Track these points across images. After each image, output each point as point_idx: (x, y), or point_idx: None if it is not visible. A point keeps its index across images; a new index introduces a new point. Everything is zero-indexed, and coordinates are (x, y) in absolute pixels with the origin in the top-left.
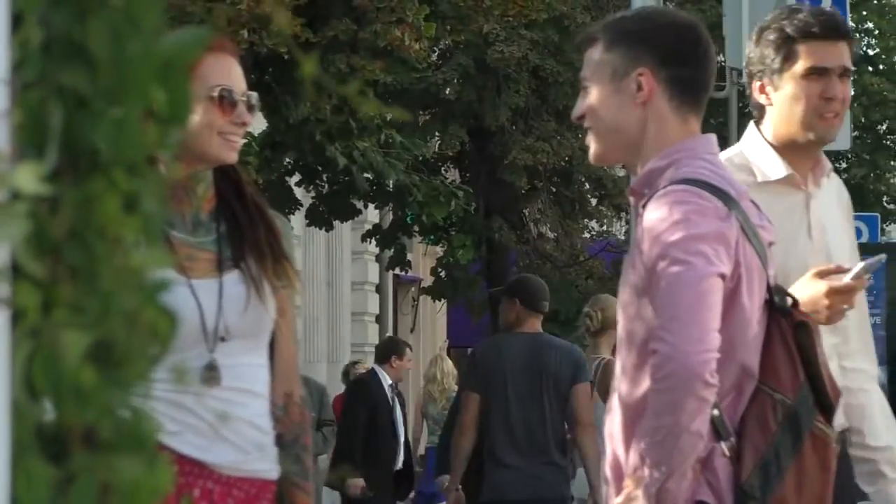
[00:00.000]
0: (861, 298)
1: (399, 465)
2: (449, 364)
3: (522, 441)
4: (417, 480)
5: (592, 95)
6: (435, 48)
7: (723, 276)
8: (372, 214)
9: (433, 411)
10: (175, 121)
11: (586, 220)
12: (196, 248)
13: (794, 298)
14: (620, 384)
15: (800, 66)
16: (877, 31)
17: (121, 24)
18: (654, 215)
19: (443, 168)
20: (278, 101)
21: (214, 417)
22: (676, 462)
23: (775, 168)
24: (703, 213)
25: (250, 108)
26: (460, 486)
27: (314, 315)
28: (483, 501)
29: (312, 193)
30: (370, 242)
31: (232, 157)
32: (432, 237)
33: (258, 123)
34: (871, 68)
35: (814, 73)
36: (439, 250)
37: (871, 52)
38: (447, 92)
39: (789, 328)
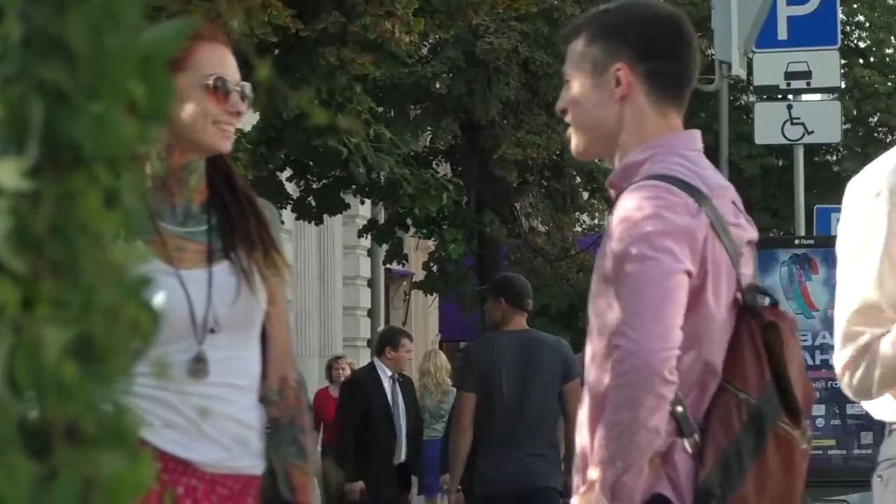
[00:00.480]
0: None
1: (401, 458)
2: (442, 358)
3: (514, 435)
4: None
5: (574, 89)
6: (425, 42)
7: (689, 273)
8: (363, 209)
9: (430, 404)
10: (155, 115)
11: (577, 213)
12: (186, 240)
13: (773, 299)
14: (589, 372)
15: None
16: (868, 24)
17: (100, 19)
18: (624, 209)
19: (434, 162)
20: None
21: (197, 414)
22: (633, 457)
23: None
24: (672, 208)
25: (244, 97)
26: (460, 488)
27: (306, 309)
28: (476, 494)
29: (302, 188)
30: (366, 237)
31: (226, 146)
32: (424, 231)
33: (247, 119)
34: (861, 61)
35: None
36: (431, 245)
37: (861, 46)
38: (437, 86)
39: (758, 328)
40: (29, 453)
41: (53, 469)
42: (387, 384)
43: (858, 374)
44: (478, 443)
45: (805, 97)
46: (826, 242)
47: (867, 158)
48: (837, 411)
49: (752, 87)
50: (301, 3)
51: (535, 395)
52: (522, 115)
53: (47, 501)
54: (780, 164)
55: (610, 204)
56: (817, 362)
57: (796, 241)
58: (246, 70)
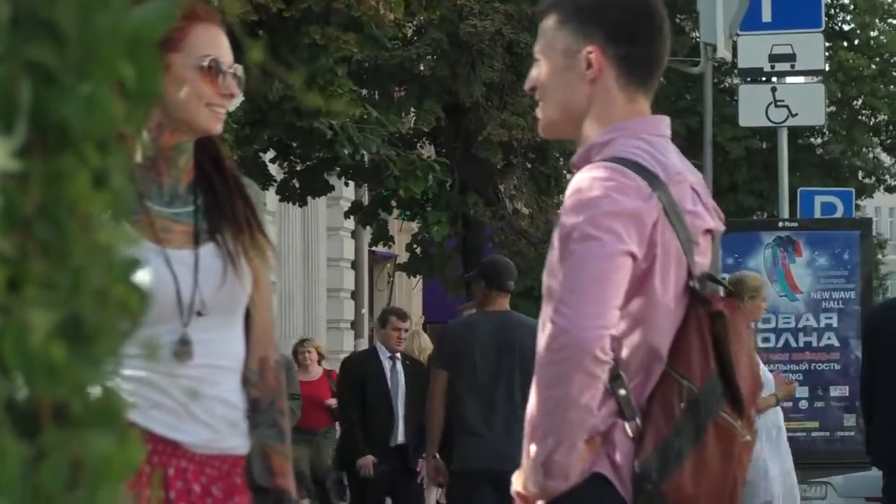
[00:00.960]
0: None
1: (399, 439)
2: (426, 339)
3: (490, 414)
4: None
5: (544, 69)
6: (409, 23)
7: (633, 256)
8: (347, 191)
9: None
10: (144, 96)
11: (561, 196)
12: (172, 220)
13: (727, 288)
14: (539, 341)
15: None
16: (852, 7)
17: None
18: (576, 188)
19: (418, 144)
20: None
21: (185, 395)
22: (564, 434)
23: None
24: (623, 191)
25: (237, 80)
26: (437, 455)
27: (290, 291)
28: (452, 469)
29: (285, 169)
30: (351, 219)
31: (218, 128)
32: (408, 213)
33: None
34: (846, 44)
35: None
36: (415, 226)
37: (846, 28)
38: (421, 68)
39: (706, 316)
40: (18, 434)
41: (42, 450)
42: (386, 364)
43: None
44: (453, 420)
45: (789, 80)
46: (810, 225)
47: (851, 141)
48: (820, 394)
49: (736, 70)
50: None
51: (509, 375)
52: (507, 97)
53: (36, 482)
54: (765, 146)
55: None
56: (800, 344)
57: (780, 224)
58: (236, 52)
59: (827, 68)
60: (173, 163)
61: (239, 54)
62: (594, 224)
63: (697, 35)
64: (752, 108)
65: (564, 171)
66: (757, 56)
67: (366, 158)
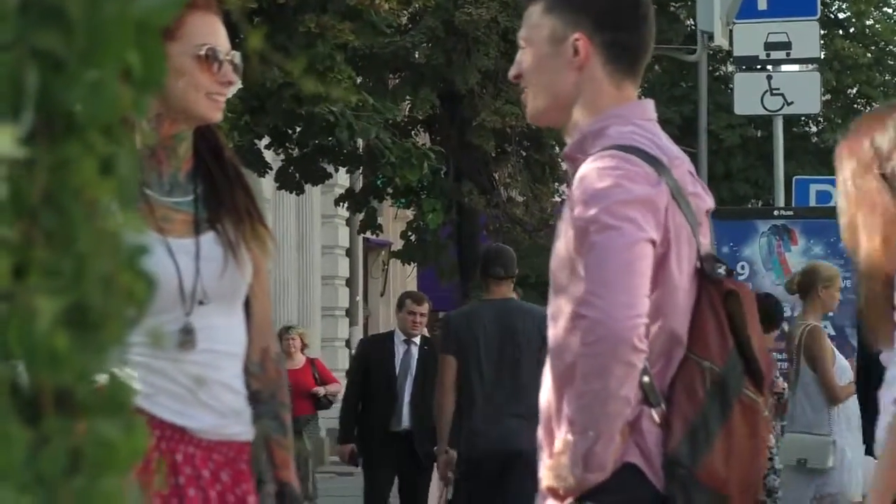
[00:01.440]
0: None
1: (402, 425)
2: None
3: (494, 399)
4: None
5: (531, 56)
6: (405, 11)
7: (653, 242)
8: (342, 178)
9: None
10: (150, 83)
11: (556, 183)
12: (172, 209)
13: (727, 267)
14: (550, 330)
15: None
16: None
17: None
18: (585, 179)
19: (413, 132)
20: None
21: (192, 382)
22: (604, 426)
23: None
24: (632, 178)
25: (235, 67)
26: (448, 449)
27: (284, 279)
28: (461, 455)
29: (282, 157)
30: (343, 206)
31: (217, 116)
32: (403, 201)
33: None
34: (841, 32)
35: None
36: (409, 214)
37: (841, 17)
38: (416, 55)
39: (718, 296)
40: (23, 420)
41: (45, 436)
42: (399, 348)
43: None
44: (462, 406)
45: (784, 68)
46: (805, 213)
47: (847, 130)
48: None
49: (731, 58)
50: None
51: (513, 362)
52: (501, 85)
53: (38, 468)
54: (760, 134)
55: (568, 175)
56: None
57: (775, 212)
58: (233, 39)
59: (822, 57)
60: (173, 152)
61: (236, 41)
62: (611, 214)
63: (693, 23)
64: (748, 96)
65: (559, 160)
66: (752, 44)
67: (360, 145)
